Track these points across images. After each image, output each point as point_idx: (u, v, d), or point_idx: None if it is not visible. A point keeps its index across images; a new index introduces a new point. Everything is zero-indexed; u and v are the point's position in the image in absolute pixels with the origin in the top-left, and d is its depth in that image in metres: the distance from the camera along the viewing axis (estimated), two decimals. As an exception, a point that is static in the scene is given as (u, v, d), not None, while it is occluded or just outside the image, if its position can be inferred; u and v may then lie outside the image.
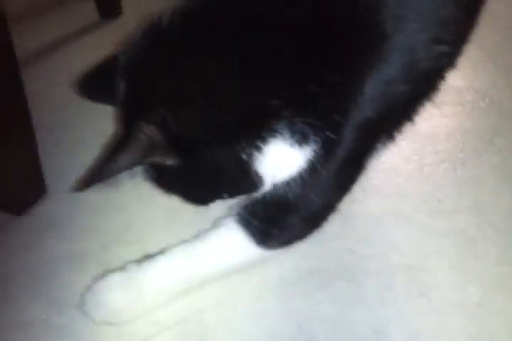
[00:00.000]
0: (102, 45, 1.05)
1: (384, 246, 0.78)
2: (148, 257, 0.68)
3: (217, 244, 0.67)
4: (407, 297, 0.71)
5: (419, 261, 0.75)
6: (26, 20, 1.22)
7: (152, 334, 0.65)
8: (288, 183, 0.62)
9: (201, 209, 0.79)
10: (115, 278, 0.65)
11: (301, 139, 0.57)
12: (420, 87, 0.63)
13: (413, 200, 0.85)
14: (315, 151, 0.59)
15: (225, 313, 0.69)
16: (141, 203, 0.83)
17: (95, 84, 0.68)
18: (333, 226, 0.78)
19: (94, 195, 0.83)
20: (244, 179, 0.61)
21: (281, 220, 0.66)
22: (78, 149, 0.93)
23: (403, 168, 0.90)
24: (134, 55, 0.58)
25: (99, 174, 0.53)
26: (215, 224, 0.70)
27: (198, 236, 0.69)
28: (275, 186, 0.63)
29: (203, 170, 0.60)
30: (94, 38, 1.20)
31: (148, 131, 0.53)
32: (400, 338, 0.66)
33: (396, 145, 0.92)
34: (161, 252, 0.68)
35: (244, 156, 0.57)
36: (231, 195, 0.66)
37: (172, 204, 0.80)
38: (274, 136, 0.57)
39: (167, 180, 0.64)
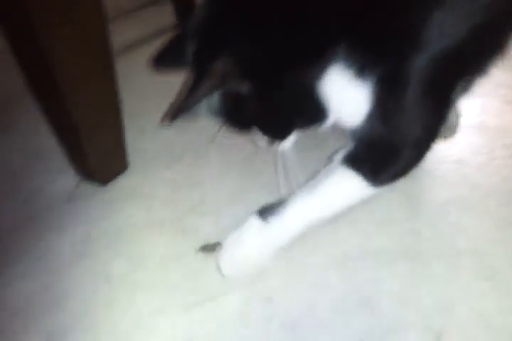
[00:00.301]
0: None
1: (450, 231, 0.78)
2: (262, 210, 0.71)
3: (332, 188, 0.69)
4: (473, 279, 0.70)
5: (485, 247, 0.75)
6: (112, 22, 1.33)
7: (221, 293, 0.69)
8: (370, 118, 0.63)
9: (266, 187, 0.84)
10: (246, 235, 0.70)
11: (363, 69, 0.59)
12: (486, 29, 0.61)
13: (481, 190, 0.84)
14: (381, 83, 0.60)
15: (290, 282, 0.71)
16: (214, 180, 0.88)
17: (166, 58, 0.73)
18: (399, 210, 0.81)
19: (171, 172, 0.89)
20: (310, 106, 0.64)
21: (384, 157, 0.68)
22: (158, 132, 1.00)
23: (472, 160, 0.90)
24: (199, 18, 0.64)
25: (184, 104, 0.58)
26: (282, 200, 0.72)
27: (309, 185, 0.71)
28: (361, 124, 0.65)
29: (272, 96, 0.63)
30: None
31: (223, 63, 0.58)
32: (465, 316, 0.66)
33: (466, 138, 0.93)
34: (279, 204, 0.71)
35: (307, 82, 0.60)
36: (301, 125, 0.68)
37: (242, 182, 0.86)
38: (333, 64, 0.59)
39: (243, 113, 0.66)
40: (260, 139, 0.72)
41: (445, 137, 0.94)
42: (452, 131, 0.95)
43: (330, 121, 0.67)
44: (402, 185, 0.83)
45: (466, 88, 0.75)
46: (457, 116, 0.97)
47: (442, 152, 0.92)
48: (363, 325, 0.65)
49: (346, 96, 0.62)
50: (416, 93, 0.61)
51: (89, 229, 0.79)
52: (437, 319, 0.66)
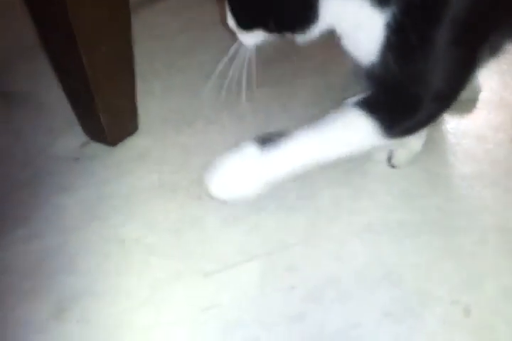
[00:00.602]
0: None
1: (473, 206, 0.76)
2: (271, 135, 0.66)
3: (341, 130, 0.64)
4: (499, 254, 0.69)
5: (509, 223, 0.73)
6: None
7: (240, 260, 0.66)
8: (387, 54, 0.56)
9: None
10: (240, 159, 0.65)
11: None
12: None
13: (502, 167, 0.82)
14: (401, 14, 0.53)
15: (312, 252, 0.68)
16: (227, 146, 0.83)
17: None
18: (420, 184, 0.79)
19: (182, 136, 0.85)
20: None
21: (404, 106, 0.63)
22: (167, 96, 0.95)
23: (493, 136, 0.88)
24: None
25: None
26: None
27: (316, 123, 0.65)
28: (376, 60, 0.58)
29: None
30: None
31: None
32: (492, 291, 0.64)
33: (485, 115, 0.91)
34: (281, 135, 0.65)
35: None
36: (276, 23, 0.58)
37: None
38: None
39: None
40: (229, 18, 0.63)
41: (463, 112, 0.92)
42: (471, 106, 0.93)
43: (315, 31, 0.59)
44: (422, 159, 0.82)
45: (493, 52, 0.71)
46: (477, 92, 0.94)
47: (463, 127, 0.89)
48: (389, 298, 0.63)
49: (356, 11, 0.55)
50: (447, 34, 0.55)
51: (98, 191, 0.74)
52: (464, 294, 0.64)
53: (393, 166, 0.80)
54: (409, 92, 0.61)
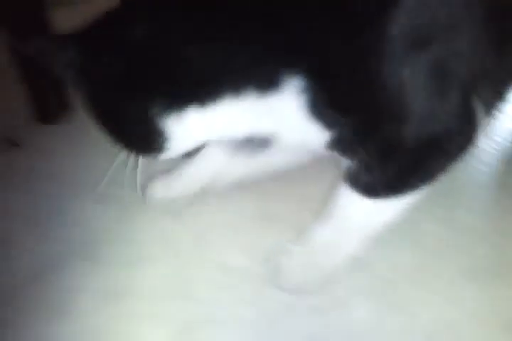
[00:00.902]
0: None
1: None
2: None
3: (342, 207, 0.62)
4: None
5: None
6: None
7: (348, 299, 0.65)
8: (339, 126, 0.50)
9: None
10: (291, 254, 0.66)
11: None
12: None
13: None
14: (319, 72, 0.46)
15: (421, 292, 0.66)
16: (327, 177, 0.82)
17: None
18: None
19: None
20: (146, 131, 0.52)
21: (377, 165, 0.54)
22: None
23: None
24: None
25: None
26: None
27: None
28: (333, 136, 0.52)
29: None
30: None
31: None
32: None
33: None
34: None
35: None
36: (126, 145, 0.56)
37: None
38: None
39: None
40: None
41: None
42: None
43: (172, 153, 0.55)
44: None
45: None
46: None
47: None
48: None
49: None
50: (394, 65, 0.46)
51: (204, 218, 0.75)
52: None
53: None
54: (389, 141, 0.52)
